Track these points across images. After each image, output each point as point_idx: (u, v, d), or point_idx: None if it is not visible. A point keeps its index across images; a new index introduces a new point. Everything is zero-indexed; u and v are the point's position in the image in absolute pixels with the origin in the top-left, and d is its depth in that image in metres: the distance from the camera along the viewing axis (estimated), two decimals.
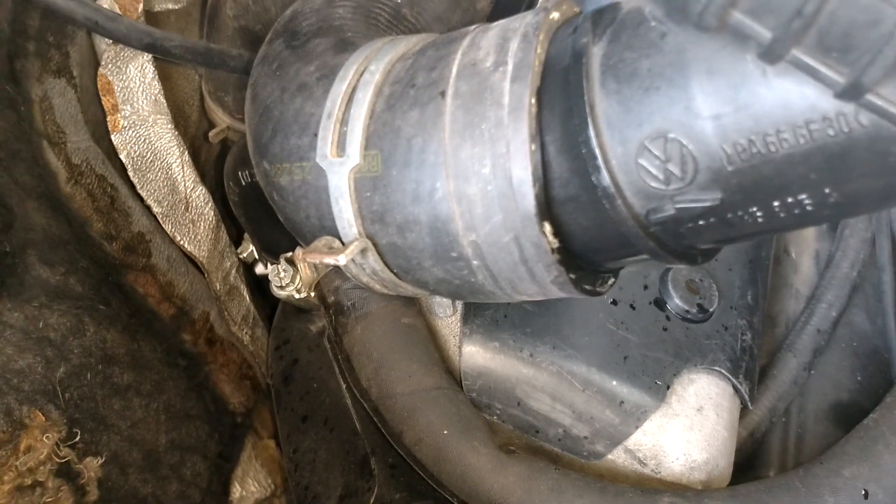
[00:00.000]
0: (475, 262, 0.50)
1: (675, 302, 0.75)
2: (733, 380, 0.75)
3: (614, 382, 0.71)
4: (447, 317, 0.70)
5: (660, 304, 0.75)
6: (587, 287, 0.52)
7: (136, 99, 0.86)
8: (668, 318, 0.75)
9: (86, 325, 0.77)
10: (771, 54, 0.37)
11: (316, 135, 0.54)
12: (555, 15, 0.51)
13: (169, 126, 0.87)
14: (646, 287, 0.76)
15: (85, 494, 0.72)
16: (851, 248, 0.93)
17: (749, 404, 0.77)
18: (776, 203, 0.41)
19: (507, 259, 0.49)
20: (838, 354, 0.93)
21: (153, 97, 0.87)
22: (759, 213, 0.42)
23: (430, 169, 0.49)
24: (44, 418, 0.69)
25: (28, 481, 0.66)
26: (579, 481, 0.67)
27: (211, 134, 0.95)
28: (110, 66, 0.84)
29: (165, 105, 0.87)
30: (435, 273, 0.53)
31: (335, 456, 0.86)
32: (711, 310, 0.75)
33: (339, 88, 0.54)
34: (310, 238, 0.57)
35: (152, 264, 0.89)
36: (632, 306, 0.75)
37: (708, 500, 0.67)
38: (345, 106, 0.54)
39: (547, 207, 0.47)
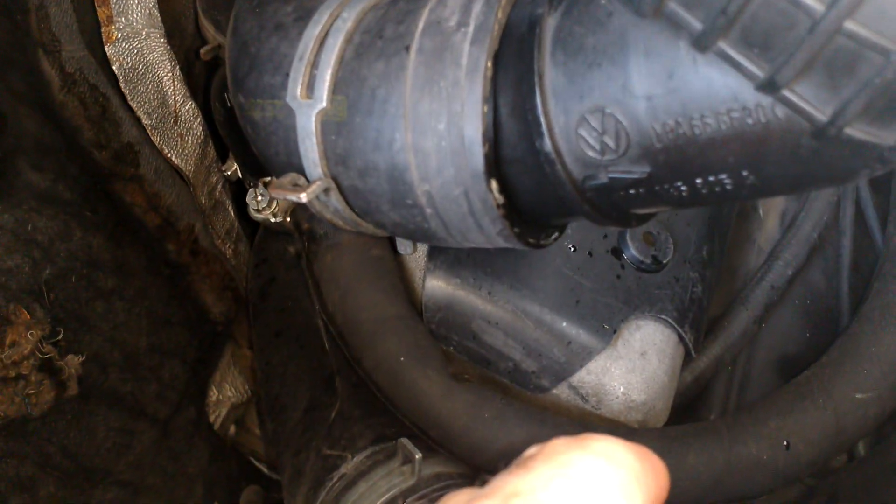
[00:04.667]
0: (428, 211, 0.54)
1: (631, 252, 0.78)
2: (679, 329, 0.79)
3: (564, 323, 0.75)
4: (408, 254, 0.74)
5: (616, 252, 0.79)
6: (531, 240, 0.56)
7: (130, 11, 0.87)
8: (622, 266, 0.79)
9: (72, 230, 0.80)
10: (700, 44, 0.40)
11: (288, 75, 0.57)
12: None
13: (162, 40, 0.89)
14: (605, 236, 0.79)
15: (66, 389, 0.77)
16: (815, 210, 0.96)
17: (693, 353, 0.82)
18: (699, 180, 0.45)
19: (457, 210, 0.53)
20: (791, 311, 0.97)
21: (147, 10, 0.88)
22: (683, 188, 0.46)
23: (390, 120, 0.52)
24: (28, 316, 0.73)
25: (12, 373, 0.71)
26: (522, 411, 0.72)
27: (202, 51, 0.97)
28: None
29: (159, 19, 0.88)
30: (392, 217, 0.57)
31: (304, 371, 0.92)
32: (665, 261, 0.79)
33: (313, 32, 0.57)
34: (279, 172, 0.60)
35: (140, 174, 0.91)
36: (590, 253, 0.78)
37: (639, 437, 0.72)
38: (317, 49, 0.56)
39: (495, 166, 0.51)
